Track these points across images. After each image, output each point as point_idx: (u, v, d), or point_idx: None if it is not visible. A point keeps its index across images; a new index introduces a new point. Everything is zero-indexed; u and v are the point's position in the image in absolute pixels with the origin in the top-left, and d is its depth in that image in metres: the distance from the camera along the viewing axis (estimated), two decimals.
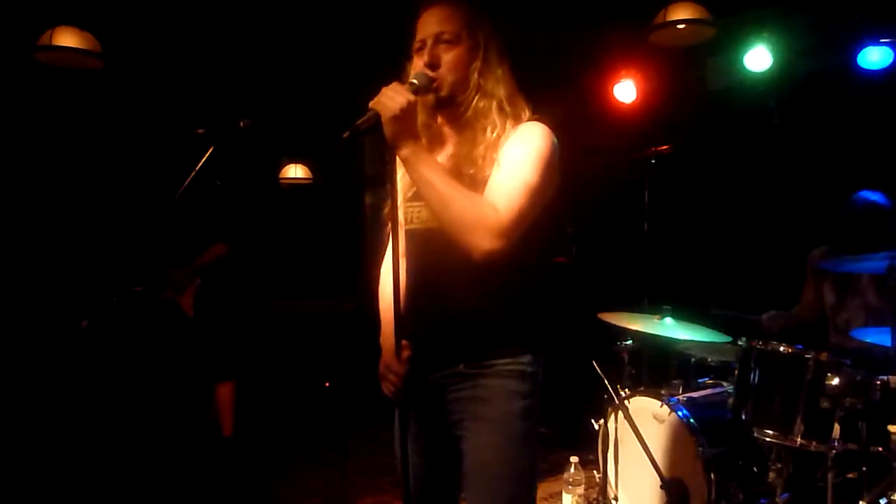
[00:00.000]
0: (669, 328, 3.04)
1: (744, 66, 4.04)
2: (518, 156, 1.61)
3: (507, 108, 1.68)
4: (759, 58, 3.93)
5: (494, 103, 1.68)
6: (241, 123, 2.77)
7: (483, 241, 1.51)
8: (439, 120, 1.77)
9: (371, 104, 1.55)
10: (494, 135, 1.65)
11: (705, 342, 3.08)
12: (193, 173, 2.63)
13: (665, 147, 3.50)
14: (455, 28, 1.68)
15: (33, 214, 4.37)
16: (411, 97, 1.55)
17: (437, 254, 1.66)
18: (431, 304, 1.68)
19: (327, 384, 5.44)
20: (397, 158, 1.57)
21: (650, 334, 2.98)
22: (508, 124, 1.67)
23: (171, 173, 3.15)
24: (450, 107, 1.71)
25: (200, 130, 2.72)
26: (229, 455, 3.94)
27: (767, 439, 2.57)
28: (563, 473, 3.18)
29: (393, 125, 1.52)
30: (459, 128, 1.72)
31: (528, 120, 1.69)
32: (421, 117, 1.69)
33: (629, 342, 3.32)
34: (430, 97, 1.67)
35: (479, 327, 1.66)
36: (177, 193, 2.61)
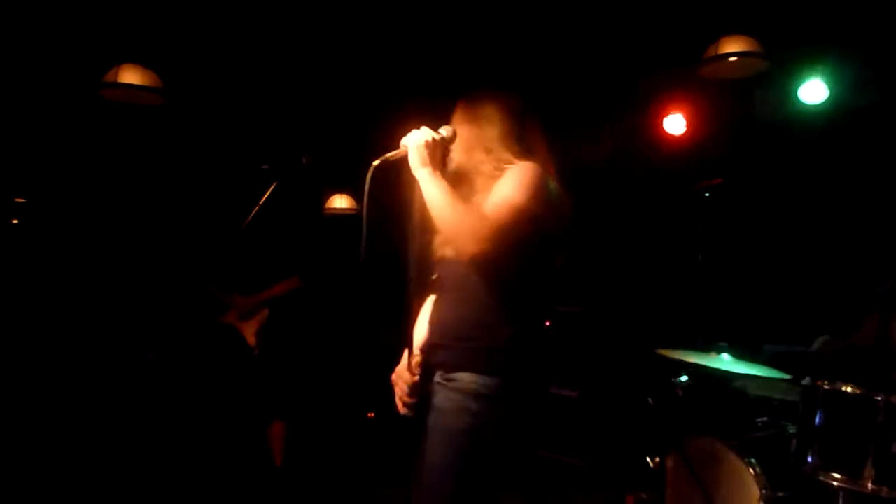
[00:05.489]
0: (727, 364, 2.97)
1: (796, 99, 4.00)
2: (505, 183, 1.89)
3: (502, 162, 1.95)
4: (814, 90, 3.88)
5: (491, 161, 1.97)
6: (304, 160, 2.83)
7: (471, 243, 1.80)
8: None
9: (403, 140, 1.92)
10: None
11: (763, 379, 3.00)
12: (257, 208, 2.69)
13: (718, 180, 3.46)
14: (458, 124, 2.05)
15: (100, 243, 4.51)
16: (436, 136, 1.92)
17: (447, 278, 1.98)
18: (433, 319, 1.99)
19: (371, 414, 5.45)
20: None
21: (708, 368, 2.92)
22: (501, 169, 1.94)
23: (232, 205, 3.22)
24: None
25: (265, 166, 2.79)
26: (280, 484, 3.94)
27: (835, 484, 2.48)
28: None
29: (417, 153, 1.89)
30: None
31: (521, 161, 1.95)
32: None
33: (684, 379, 3.26)
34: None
35: (456, 340, 1.88)
36: (241, 225, 2.67)
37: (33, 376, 4.29)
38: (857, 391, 2.49)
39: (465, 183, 2.00)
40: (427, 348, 1.97)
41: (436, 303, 2.03)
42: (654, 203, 4.68)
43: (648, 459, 3.14)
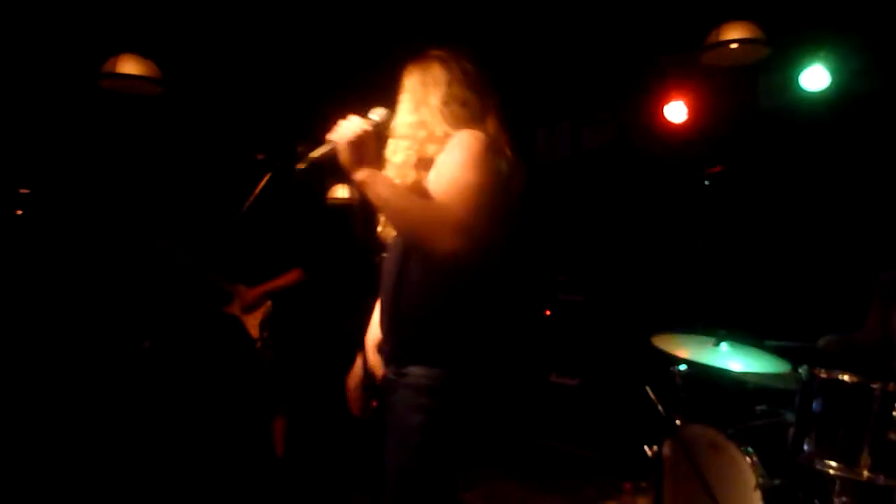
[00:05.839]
0: (725, 355, 2.97)
1: (799, 86, 3.96)
2: (450, 160, 1.72)
3: (443, 130, 1.81)
4: (816, 77, 3.84)
5: (434, 127, 1.82)
6: (299, 149, 2.81)
7: (446, 240, 1.61)
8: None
9: (328, 136, 1.72)
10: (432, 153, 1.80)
11: (764, 371, 3.00)
12: (252, 197, 2.68)
13: (718, 168, 3.45)
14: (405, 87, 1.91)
15: (96, 234, 4.51)
16: (367, 127, 1.71)
17: (387, 270, 1.85)
18: (381, 314, 1.87)
19: (374, 403, 5.45)
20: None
21: (705, 364, 2.92)
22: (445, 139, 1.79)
23: (231, 194, 3.22)
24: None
25: (260, 156, 2.78)
26: (281, 476, 3.96)
27: (831, 472, 2.48)
28: (614, 500, 3.12)
29: (348, 152, 1.69)
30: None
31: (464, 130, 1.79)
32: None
33: (683, 367, 3.26)
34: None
35: (402, 333, 1.78)
36: (238, 214, 2.66)
37: (31, 367, 4.30)
38: (854, 379, 2.49)
39: (406, 154, 1.82)
40: (379, 344, 1.91)
41: (382, 294, 1.87)
42: (656, 191, 4.67)
43: (646, 448, 3.15)
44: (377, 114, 1.82)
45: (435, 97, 1.84)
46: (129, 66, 3.75)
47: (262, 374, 3.88)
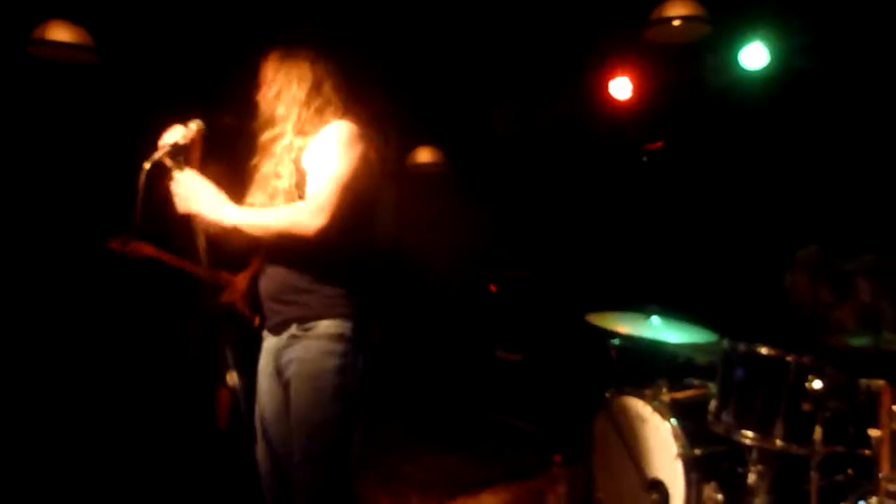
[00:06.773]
0: (656, 328, 3.03)
1: (739, 63, 3.99)
2: (321, 153, 1.92)
3: (307, 121, 1.98)
4: (755, 55, 3.88)
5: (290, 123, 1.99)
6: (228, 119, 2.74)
7: (304, 237, 1.83)
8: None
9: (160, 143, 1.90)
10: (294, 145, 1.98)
11: (691, 343, 3.07)
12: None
13: (657, 144, 3.47)
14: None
15: (28, 209, 4.34)
16: (191, 183, 1.90)
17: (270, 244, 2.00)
18: (273, 274, 2.01)
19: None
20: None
21: (636, 337, 2.97)
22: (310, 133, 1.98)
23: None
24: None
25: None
26: (223, 447, 3.93)
27: (747, 441, 2.55)
28: (548, 471, 3.18)
29: (181, 204, 1.91)
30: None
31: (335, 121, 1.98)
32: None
33: (617, 340, 3.31)
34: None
35: (306, 293, 1.95)
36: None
37: None
38: (771, 353, 2.55)
39: (267, 154, 2.00)
40: (271, 305, 2.03)
41: (272, 260, 2.03)
42: (601, 167, 4.68)
43: (580, 420, 3.20)
44: (193, 124, 1.96)
45: (301, 90, 1.98)
46: (59, 32, 3.63)
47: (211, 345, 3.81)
